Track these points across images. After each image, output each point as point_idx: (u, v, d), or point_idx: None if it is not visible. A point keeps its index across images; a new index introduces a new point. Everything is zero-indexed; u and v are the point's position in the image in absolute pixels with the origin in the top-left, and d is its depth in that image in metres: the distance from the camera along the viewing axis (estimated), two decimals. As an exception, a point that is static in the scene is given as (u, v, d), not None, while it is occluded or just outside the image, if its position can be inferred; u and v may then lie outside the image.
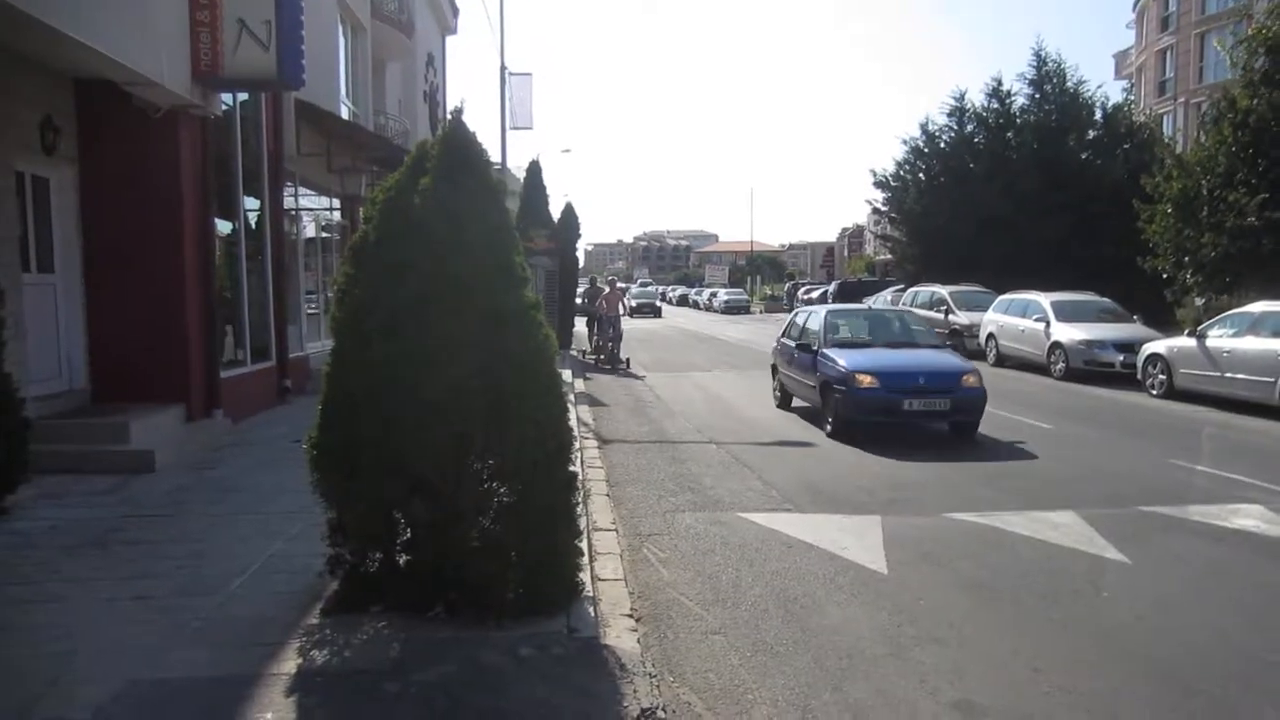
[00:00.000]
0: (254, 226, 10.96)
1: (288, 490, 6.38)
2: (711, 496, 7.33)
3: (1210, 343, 12.76)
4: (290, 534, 5.58)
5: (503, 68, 24.45)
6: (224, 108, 9.81)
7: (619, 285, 21.66)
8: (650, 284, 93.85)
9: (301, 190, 13.19)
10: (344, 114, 14.49)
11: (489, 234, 3.97)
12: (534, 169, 23.96)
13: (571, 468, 4.38)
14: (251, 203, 10.87)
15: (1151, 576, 5.32)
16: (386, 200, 4.19)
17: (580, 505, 4.68)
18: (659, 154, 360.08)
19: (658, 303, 53.38)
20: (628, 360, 18.15)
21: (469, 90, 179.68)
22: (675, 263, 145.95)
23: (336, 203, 14.94)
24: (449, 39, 24.56)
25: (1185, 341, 13.37)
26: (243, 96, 10.36)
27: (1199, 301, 18.07)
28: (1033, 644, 4.28)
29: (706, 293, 60.15)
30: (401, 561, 4.34)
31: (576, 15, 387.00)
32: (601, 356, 18.92)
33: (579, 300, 25.16)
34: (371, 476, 4.11)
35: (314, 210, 14.17)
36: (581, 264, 43.18)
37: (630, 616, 4.47)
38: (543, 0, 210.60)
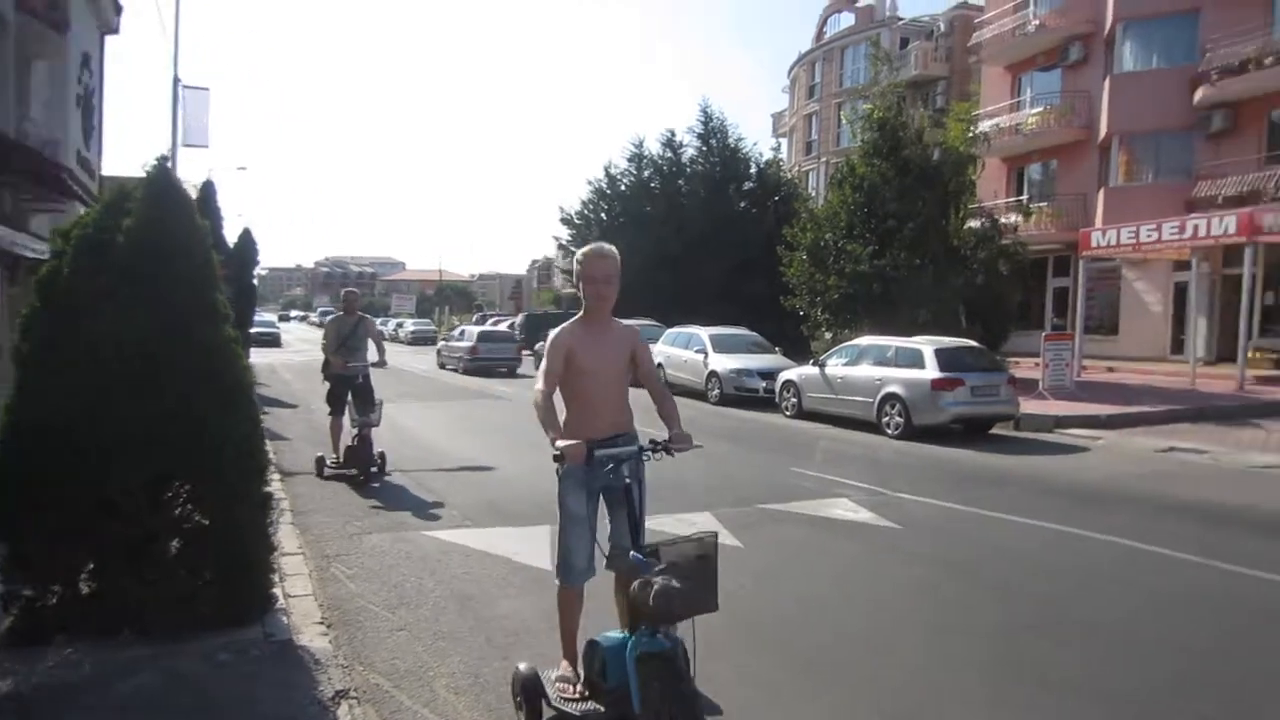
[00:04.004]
0: None
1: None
2: (397, 519, 7.87)
3: (828, 370, 15.20)
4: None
5: (175, 79, 23.23)
6: None
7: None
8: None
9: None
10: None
11: (193, 270, 4.38)
12: (207, 189, 22.75)
13: (267, 488, 4.82)
14: None
15: (757, 556, 6.67)
16: (84, 236, 4.44)
17: (274, 524, 5.10)
18: (343, 176, 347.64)
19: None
20: (382, 457, 9.65)
21: (136, 100, 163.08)
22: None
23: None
24: (110, 39, 22.62)
25: (810, 370, 15.79)
26: None
27: (828, 335, 21.06)
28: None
29: (393, 323, 59.03)
30: (89, 590, 4.46)
31: (258, 25, 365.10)
32: (355, 470, 9.46)
33: (323, 343, 10.97)
34: (61, 506, 4.28)
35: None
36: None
37: (321, 623, 4.96)
38: (220, 6, 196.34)
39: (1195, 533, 7.59)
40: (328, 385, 10.05)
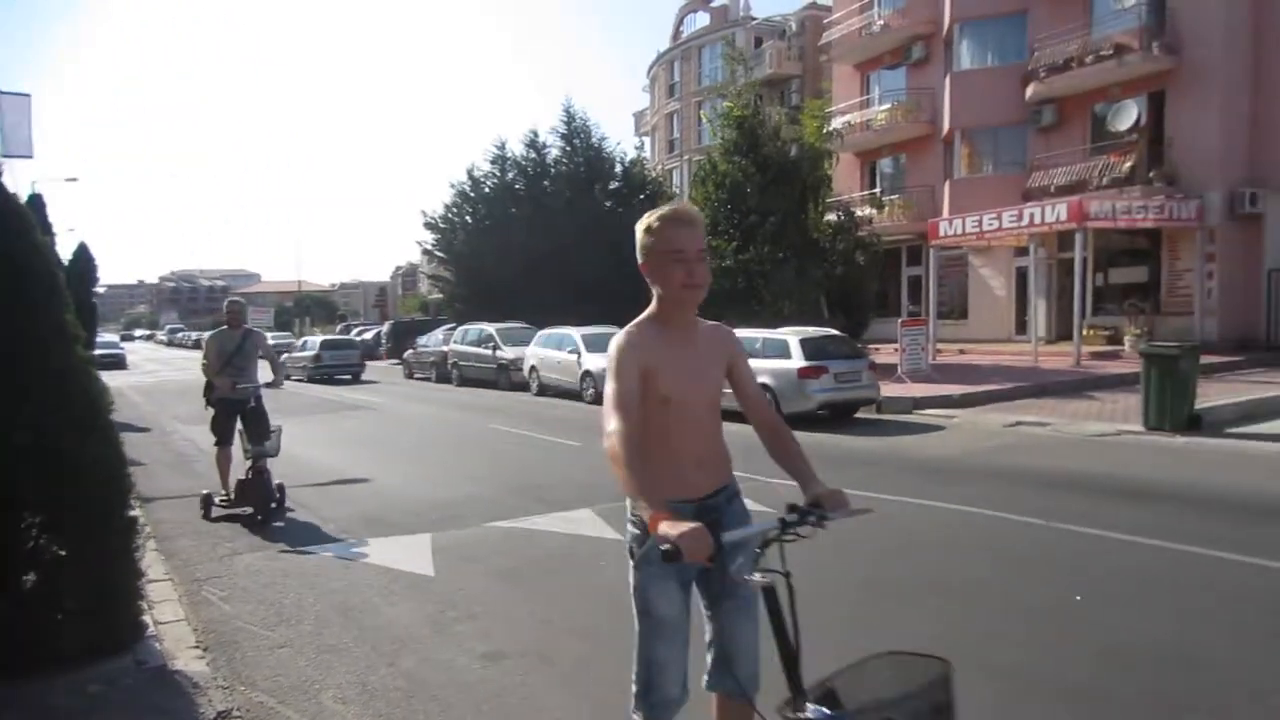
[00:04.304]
0: None
1: None
2: (269, 537, 7.64)
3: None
4: None
5: (-8, 92, 21.61)
6: None
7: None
8: (180, 329, 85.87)
9: None
10: None
11: (46, 295, 4.17)
12: (36, 203, 21.42)
13: (132, 512, 4.64)
14: None
15: (640, 549, 6.82)
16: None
17: (140, 549, 4.91)
18: (188, 186, 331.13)
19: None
20: (280, 490, 8.45)
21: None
22: (211, 305, 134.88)
23: None
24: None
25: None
26: None
27: (698, 331, 21.52)
28: (545, 606, 5.46)
29: (206, 337, 56.37)
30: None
31: (88, 22, 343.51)
32: (251, 508, 8.12)
33: (204, 363, 8.93)
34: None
35: None
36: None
37: (197, 646, 4.82)
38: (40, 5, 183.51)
39: (1039, 498, 8.18)
40: (211, 412, 8.71)
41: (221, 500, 8.49)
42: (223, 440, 8.65)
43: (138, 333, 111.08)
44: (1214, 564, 5.91)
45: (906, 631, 4.78)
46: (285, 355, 31.68)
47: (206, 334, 10.83)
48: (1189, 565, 5.95)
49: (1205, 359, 14.17)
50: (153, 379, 32.65)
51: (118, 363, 40.38)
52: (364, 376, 28.86)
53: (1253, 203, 21.06)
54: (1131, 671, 4.28)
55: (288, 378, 9.01)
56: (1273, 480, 8.81)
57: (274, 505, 8.22)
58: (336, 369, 28.31)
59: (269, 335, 53.68)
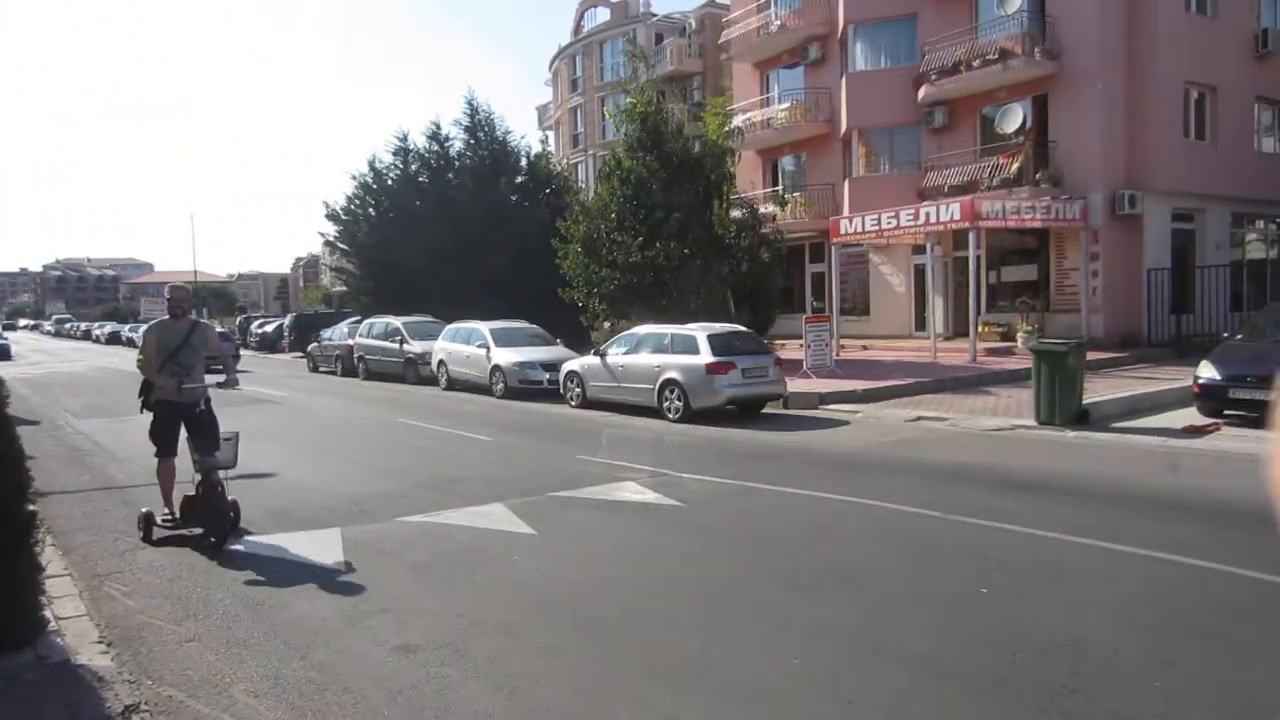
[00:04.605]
0: None
1: None
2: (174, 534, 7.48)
3: (609, 360, 15.70)
4: None
5: None
6: None
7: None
8: (68, 319, 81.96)
9: None
10: None
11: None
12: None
13: (30, 507, 4.54)
14: None
15: (550, 541, 6.94)
16: None
17: (40, 544, 4.79)
18: (74, 168, 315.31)
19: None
20: (235, 508, 7.38)
21: None
22: (100, 295, 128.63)
23: None
24: None
25: (593, 360, 16.23)
26: None
27: (607, 325, 21.57)
28: (459, 599, 5.53)
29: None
30: None
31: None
32: (201, 528, 7.09)
33: (139, 359, 7.62)
34: None
35: None
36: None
37: (101, 642, 4.75)
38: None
39: (940, 491, 8.56)
40: (150, 415, 7.43)
41: (165, 520, 7.32)
42: (165, 450, 7.39)
43: (21, 322, 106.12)
44: (1105, 555, 6.24)
45: (823, 624, 5.00)
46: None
47: (142, 326, 9.87)
48: (1080, 555, 6.27)
49: (1092, 355, 14.96)
50: (40, 370, 31.18)
51: (2, 353, 38.46)
52: (265, 370, 28.17)
53: (1132, 204, 22.24)
54: (1025, 658, 4.53)
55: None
56: (1157, 473, 9.30)
57: (230, 524, 7.12)
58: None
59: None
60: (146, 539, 7.13)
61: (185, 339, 7.41)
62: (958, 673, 4.32)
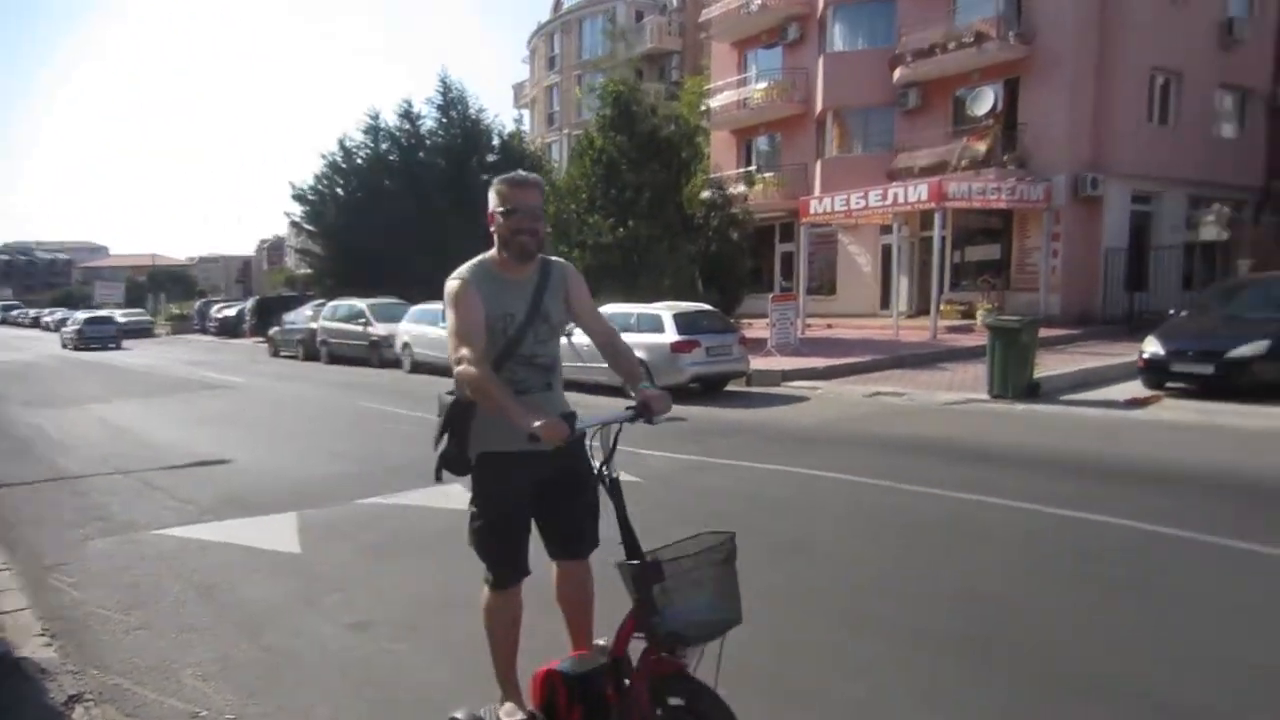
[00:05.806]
0: None
1: None
2: (124, 521, 7.28)
3: (575, 340, 15.38)
4: None
5: None
6: None
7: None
8: (16, 306, 79.56)
9: None
10: None
11: None
12: None
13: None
14: None
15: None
16: None
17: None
18: (19, 148, 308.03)
19: None
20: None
21: None
22: (53, 280, 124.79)
23: None
24: None
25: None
26: None
27: (575, 306, 21.53)
28: (416, 579, 5.46)
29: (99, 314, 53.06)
30: None
31: None
32: None
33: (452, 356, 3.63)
34: None
35: None
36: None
37: (43, 634, 4.62)
38: None
39: (893, 462, 8.67)
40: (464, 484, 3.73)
41: None
42: (506, 565, 5.56)
43: None
44: (1048, 519, 6.43)
45: (779, 590, 5.01)
46: (63, 329, 40.62)
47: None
48: (1023, 520, 6.46)
49: (1047, 332, 15.17)
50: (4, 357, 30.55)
51: None
52: (224, 355, 27.69)
53: (1094, 186, 22.49)
54: (950, 608, 4.64)
55: None
56: (1099, 441, 9.65)
57: None
58: (96, 339, 36.60)
59: (119, 313, 52.49)
60: None
61: (536, 302, 3.38)
62: (895, 624, 4.55)
